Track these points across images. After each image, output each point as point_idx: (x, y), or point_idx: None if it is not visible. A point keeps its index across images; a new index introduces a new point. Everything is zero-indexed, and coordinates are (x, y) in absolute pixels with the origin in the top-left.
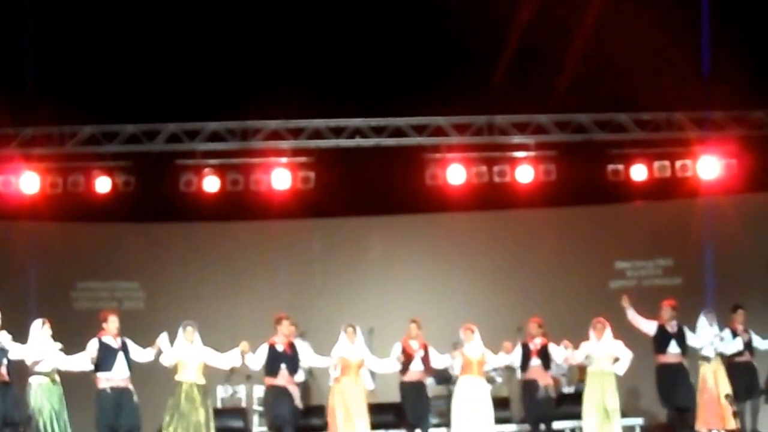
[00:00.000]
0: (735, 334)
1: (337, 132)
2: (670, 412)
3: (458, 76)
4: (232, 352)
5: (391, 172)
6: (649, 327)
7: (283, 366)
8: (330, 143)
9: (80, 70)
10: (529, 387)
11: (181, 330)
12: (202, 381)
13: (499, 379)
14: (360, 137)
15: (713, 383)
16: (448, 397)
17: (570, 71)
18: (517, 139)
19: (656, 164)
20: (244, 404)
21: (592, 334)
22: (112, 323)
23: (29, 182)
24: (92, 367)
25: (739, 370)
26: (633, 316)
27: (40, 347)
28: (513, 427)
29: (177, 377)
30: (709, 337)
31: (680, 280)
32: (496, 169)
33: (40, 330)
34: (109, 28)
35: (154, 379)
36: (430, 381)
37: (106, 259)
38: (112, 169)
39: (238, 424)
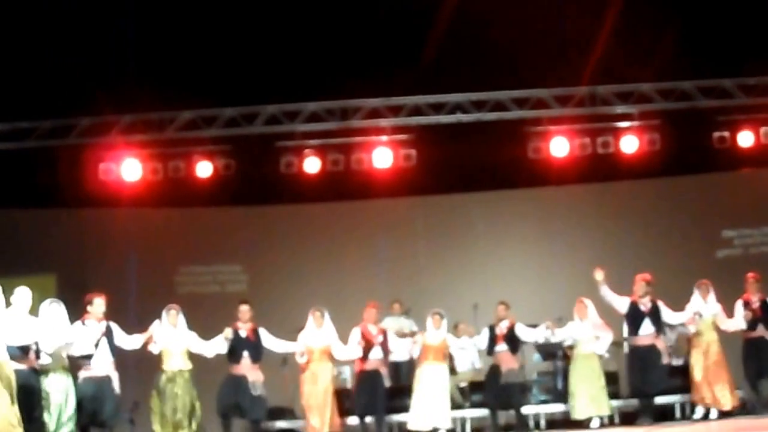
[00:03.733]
0: (748, 306)
1: (437, 108)
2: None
3: (556, 46)
4: (217, 339)
5: (492, 146)
6: (620, 304)
7: (245, 353)
8: (431, 120)
9: (178, 55)
10: (493, 372)
11: (164, 314)
12: (188, 366)
13: (606, 354)
14: (461, 112)
15: (703, 358)
16: (554, 373)
17: (670, 37)
18: (620, 109)
19: (763, 130)
20: (349, 385)
21: (575, 314)
22: (98, 306)
23: (130, 169)
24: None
25: (751, 348)
26: (605, 292)
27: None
28: (620, 402)
29: (163, 366)
30: (689, 314)
31: None
32: (599, 140)
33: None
34: (206, 12)
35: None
36: (536, 357)
37: (208, 244)
38: (213, 154)
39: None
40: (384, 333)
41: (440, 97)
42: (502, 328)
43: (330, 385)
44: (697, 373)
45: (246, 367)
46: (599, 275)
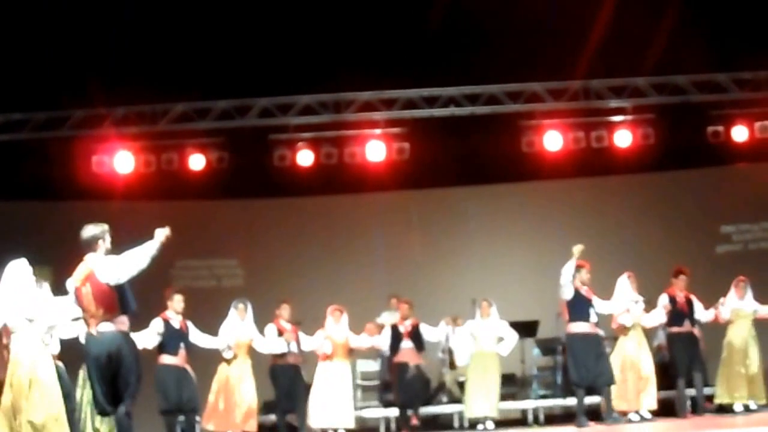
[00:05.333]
0: (673, 301)
1: (431, 101)
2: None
3: (551, 40)
4: (149, 331)
5: (486, 140)
6: (567, 292)
7: (182, 344)
8: (424, 113)
9: (171, 48)
10: (400, 370)
11: None
12: None
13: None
14: (454, 106)
15: (635, 357)
16: (553, 368)
17: (665, 32)
18: (614, 103)
19: (758, 125)
20: None
21: (476, 313)
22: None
23: (123, 162)
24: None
25: (679, 343)
26: (567, 266)
27: None
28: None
29: None
30: (624, 303)
31: None
32: (593, 134)
33: None
34: (200, 5)
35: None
36: (536, 352)
37: (203, 237)
38: (206, 146)
39: None
40: (296, 329)
41: (434, 90)
42: (406, 326)
43: (252, 379)
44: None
45: (183, 358)
46: (577, 249)
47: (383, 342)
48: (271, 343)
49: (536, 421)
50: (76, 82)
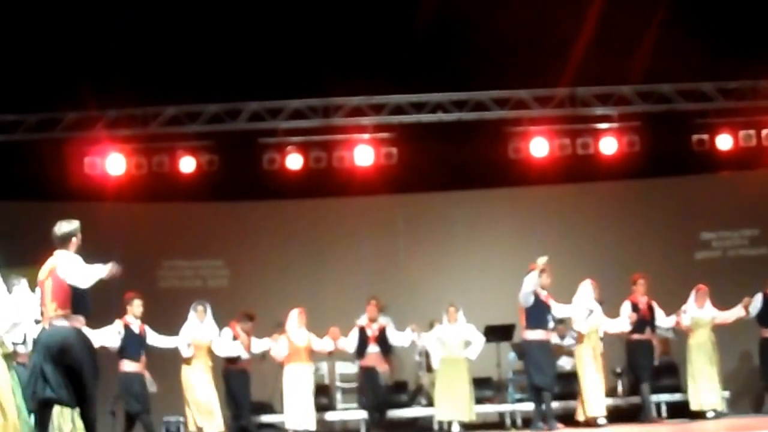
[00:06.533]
0: (636, 308)
1: (419, 107)
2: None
3: (538, 47)
4: (108, 331)
5: (473, 146)
6: (527, 301)
7: (142, 350)
8: (412, 119)
9: (163, 51)
10: (367, 374)
11: None
12: None
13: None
14: (442, 112)
15: (592, 364)
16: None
17: (650, 40)
18: (599, 111)
19: (741, 133)
20: (327, 381)
21: (443, 318)
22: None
23: (115, 163)
24: None
25: (640, 350)
26: (529, 279)
27: None
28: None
29: None
30: (581, 309)
31: (766, 250)
32: (579, 141)
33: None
34: (191, 9)
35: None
36: (512, 356)
37: (190, 238)
38: (196, 149)
39: (323, 401)
40: (249, 334)
41: (421, 96)
42: (373, 330)
43: (210, 380)
44: None
45: (143, 364)
46: (541, 261)
47: (350, 345)
48: (228, 347)
49: (513, 425)
50: (68, 85)
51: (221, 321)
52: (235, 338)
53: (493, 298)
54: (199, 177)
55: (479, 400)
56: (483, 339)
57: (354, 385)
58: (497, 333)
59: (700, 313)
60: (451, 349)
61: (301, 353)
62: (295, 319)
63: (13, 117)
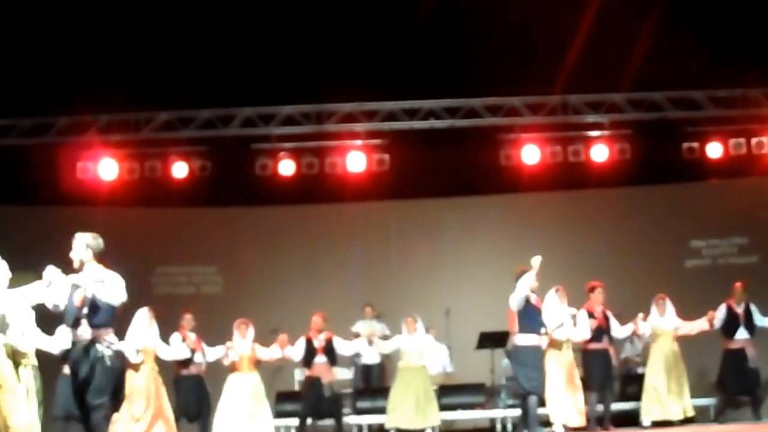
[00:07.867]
0: (592, 317)
1: (411, 114)
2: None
3: (530, 55)
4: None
5: (465, 153)
6: (519, 304)
7: None
8: (404, 125)
9: (156, 57)
10: (311, 384)
11: None
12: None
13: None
14: (434, 119)
15: (563, 372)
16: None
17: (642, 49)
18: (591, 118)
19: (732, 142)
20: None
21: (403, 328)
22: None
23: (107, 168)
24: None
25: (595, 359)
26: (523, 281)
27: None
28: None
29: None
30: (560, 318)
31: (756, 258)
32: (570, 148)
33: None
34: (185, 14)
35: None
36: (505, 363)
37: (183, 244)
38: (189, 155)
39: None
40: (199, 340)
41: (414, 102)
42: (320, 341)
43: (160, 386)
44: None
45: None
46: (536, 261)
47: (296, 354)
48: (174, 350)
49: (504, 430)
50: (61, 90)
51: (214, 328)
52: (184, 341)
53: (486, 303)
54: (192, 182)
55: (471, 406)
56: (445, 349)
57: (348, 390)
58: (491, 340)
59: (660, 322)
60: (408, 357)
61: (244, 362)
62: (236, 331)
63: (5, 121)
